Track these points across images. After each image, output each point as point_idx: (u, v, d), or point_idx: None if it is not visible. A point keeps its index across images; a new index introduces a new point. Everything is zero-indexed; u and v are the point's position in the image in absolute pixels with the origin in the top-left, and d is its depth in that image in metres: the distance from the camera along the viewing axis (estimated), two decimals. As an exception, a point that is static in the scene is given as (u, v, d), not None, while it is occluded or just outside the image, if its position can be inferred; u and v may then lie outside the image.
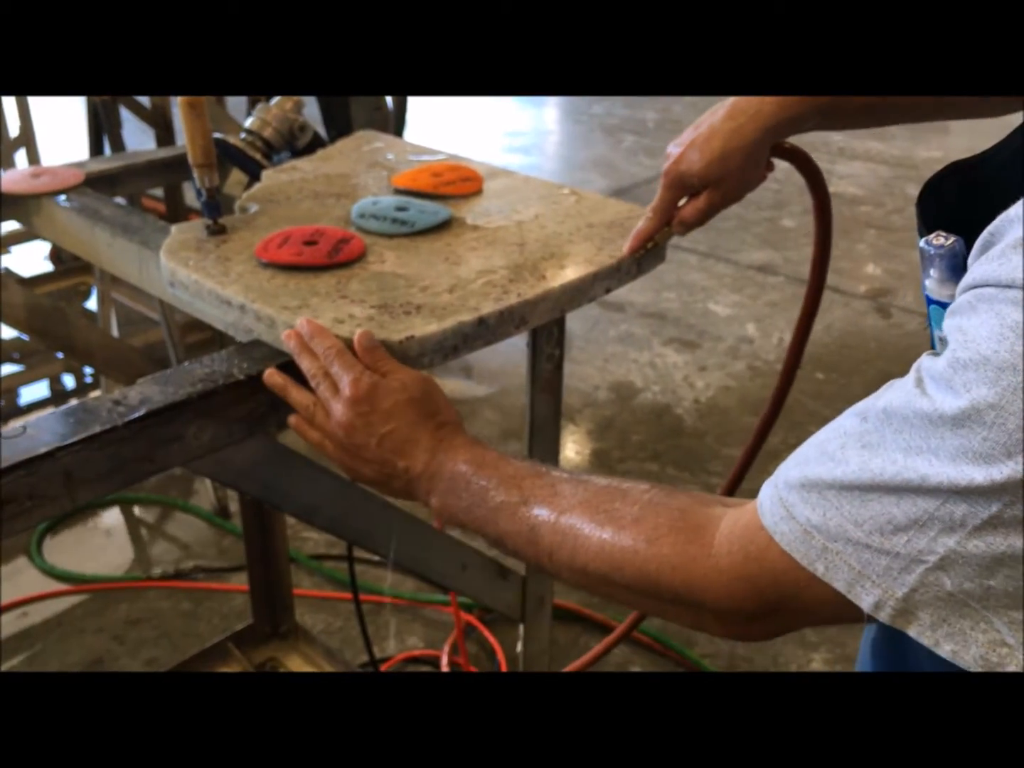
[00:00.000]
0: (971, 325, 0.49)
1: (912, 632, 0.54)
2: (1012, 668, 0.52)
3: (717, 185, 0.97)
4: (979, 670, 0.52)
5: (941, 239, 0.61)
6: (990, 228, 0.52)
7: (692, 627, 0.69)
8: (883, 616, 0.54)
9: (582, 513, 0.72)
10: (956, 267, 0.61)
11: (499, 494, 0.77)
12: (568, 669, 1.61)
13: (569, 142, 6.03)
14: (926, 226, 0.67)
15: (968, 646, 0.52)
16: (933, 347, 0.74)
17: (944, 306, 0.62)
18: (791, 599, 0.60)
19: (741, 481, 1.31)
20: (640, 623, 1.51)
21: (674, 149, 0.97)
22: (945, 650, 0.53)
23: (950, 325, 0.51)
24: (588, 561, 0.70)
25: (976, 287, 0.50)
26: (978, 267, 0.51)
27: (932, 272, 0.62)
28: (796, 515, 0.57)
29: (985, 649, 0.52)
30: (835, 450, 0.56)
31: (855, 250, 4.06)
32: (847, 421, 0.57)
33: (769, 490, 0.61)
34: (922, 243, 0.62)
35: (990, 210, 0.66)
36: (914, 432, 0.51)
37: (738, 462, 1.31)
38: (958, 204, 0.69)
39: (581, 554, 0.70)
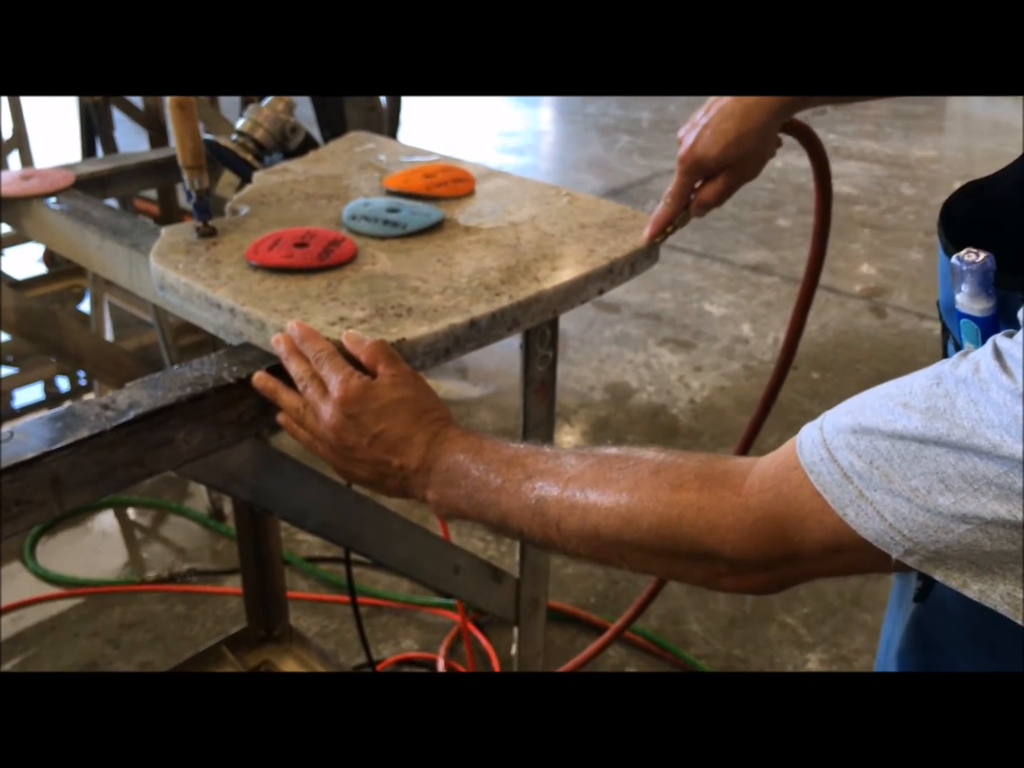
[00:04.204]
0: None
1: (939, 575, 0.55)
2: None
3: (734, 166, 0.98)
4: (1005, 608, 0.53)
5: (972, 255, 0.62)
6: None
7: (702, 583, 0.69)
8: (910, 561, 0.55)
9: (593, 476, 0.71)
10: (987, 282, 0.62)
11: (500, 475, 0.76)
12: (562, 670, 1.61)
13: (563, 142, 6.02)
14: (951, 241, 0.68)
15: (996, 584, 0.53)
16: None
17: (975, 319, 0.64)
18: (815, 543, 0.59)
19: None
20: (633, 622, 1.51)
21: (687, 134, 0.99)
22: (972, 590, 0.54)
23: None
24: (600, 521, 0.69)
25: None
26: None
27: (964, 287, 0.63)
28: (839, 458, 0.57)
29: (1012, 586, 0.53)
30: (898, 404, 0.55)
31: (850, 249, 4.06)
32: (918, 379, 0.56)
33: (812, 431, 0.60)
34: (954, 259, 0.63)
35: (1004, 226, 0.67)
36: (989, 406, 0.50)
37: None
38: (975, 221, 0.70)
39: (592, 515, 0.70)
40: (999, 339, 0.53)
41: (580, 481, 0.71)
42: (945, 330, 0.75)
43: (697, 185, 1.02)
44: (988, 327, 0.63)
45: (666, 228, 1.06)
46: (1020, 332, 0.52)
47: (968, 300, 0.63)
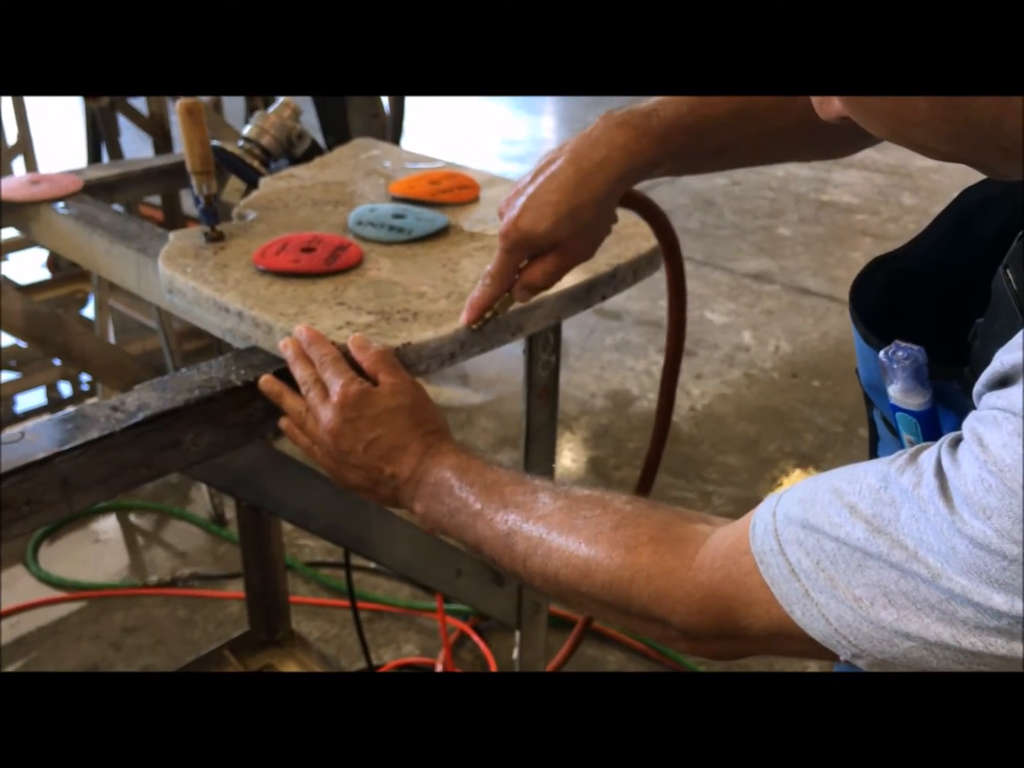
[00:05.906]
0: (994, 443, 0.47)
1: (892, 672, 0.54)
2: None
3: (567, 244, 0.84)
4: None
5: (901, 352, 0.61)
6: (1005, 360, 0.49)
7: (658, 641, 0.69)
8: (860, 664, 0.54)
9: (560, 519, 0.71)
10: (921, 376, 0.61)
11: (479, 500, 0.77)
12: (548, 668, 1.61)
13: (566, 151, 6.03)
14: (861, 319, 0.67)
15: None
16: (878, 447, 0.74)
17: (911, 413, 0.62)
18: (761, 629, 0.59)
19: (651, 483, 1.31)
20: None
21: (509, 207, 0.84)
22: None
23: (971, 428, 0.49)
24: (560, 567, 0.69)
25: (1003, 411, 0.48)
26: (1011, 392, 0.48)
27: (896, 383, 0.62)
28: (788, 552, 0.56)
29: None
30: (845, 506, 0.53)
31: (850, 258, 4.08)
32: (868, 477, 0.53)
33: (766, 516, 0.59)
34: (882, 356, 0.62)
35: (917, 299, 0.67)
36: (929, 528, 0.49)
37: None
38: (887, 296, 0.69)
39: (554, 559, 0.70)
40: (944, 453, 0.50)
41: (547, 522, 0.71)
42: (868, 400, 0.72)
43: (522, 264, 0.87)
44: (926, 419, 0.62)
45: (485, 313, 0.90)
46: (960, 449, 0.49)
47: (902, 396, 0.61)
